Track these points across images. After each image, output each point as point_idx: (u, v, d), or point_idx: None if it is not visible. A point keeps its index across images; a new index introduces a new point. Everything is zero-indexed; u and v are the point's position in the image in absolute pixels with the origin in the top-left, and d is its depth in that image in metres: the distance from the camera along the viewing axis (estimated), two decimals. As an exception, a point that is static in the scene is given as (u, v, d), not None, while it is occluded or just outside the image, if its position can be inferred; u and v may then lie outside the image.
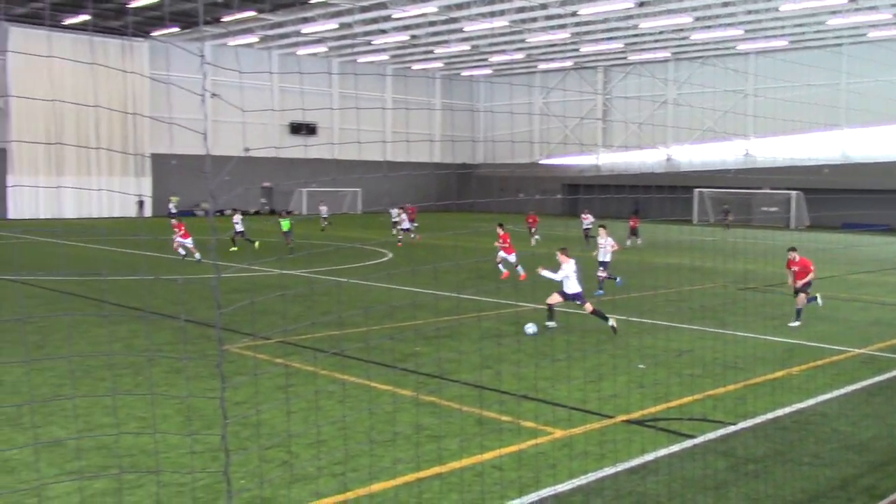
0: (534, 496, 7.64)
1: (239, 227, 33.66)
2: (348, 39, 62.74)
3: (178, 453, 8.90)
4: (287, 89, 70.15)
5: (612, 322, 15.86)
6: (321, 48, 66.83)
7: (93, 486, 7.95)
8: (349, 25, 57.16)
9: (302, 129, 71.05)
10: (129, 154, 61.67)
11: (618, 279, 22.59)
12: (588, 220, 37.26)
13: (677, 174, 68.09)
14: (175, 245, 29.40)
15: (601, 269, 22.12)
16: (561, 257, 16.27)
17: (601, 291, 21.61)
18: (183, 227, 29.33)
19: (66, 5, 52.93)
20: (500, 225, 25.92)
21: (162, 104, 62.25)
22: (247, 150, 60.56)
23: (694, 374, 12.81)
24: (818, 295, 18.20)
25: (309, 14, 54.51)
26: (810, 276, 17.42)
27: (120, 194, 61.26)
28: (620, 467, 8.37)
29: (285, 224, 33.50)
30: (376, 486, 7.94)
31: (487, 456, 8.87)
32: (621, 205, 58.22)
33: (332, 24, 55.92)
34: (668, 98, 71.24)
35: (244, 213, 33.87)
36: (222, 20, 54.95)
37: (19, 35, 57.23)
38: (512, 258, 24.93)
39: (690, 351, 14.51)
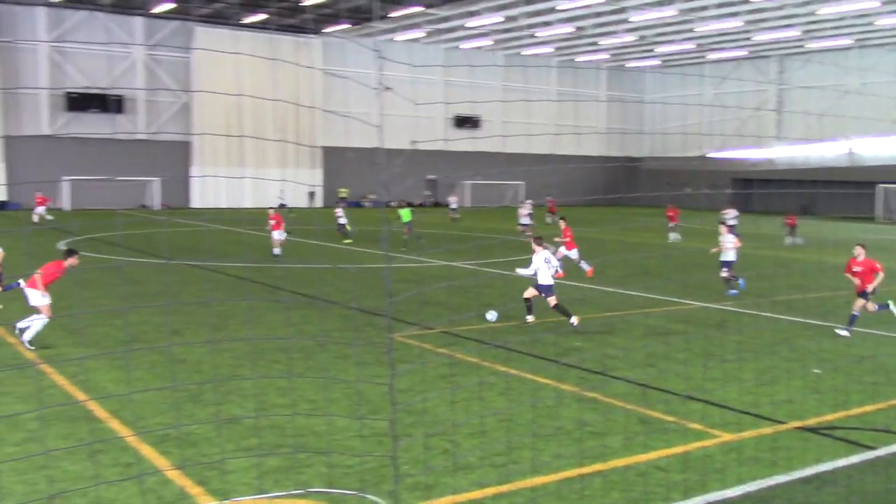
0: (700, 500, 7.40)
1: (342, 220, 34.12)
2: (513, 32, 62.84)
3: (345, 436, 9.19)
4: (452, 83, 70.95)
5: (573, 320, 15.40)
6: (486, 41, 67.23)
7: (267, 462, 8.33)
8: (514, 18, 57.21)
9: (466, 122, 71.84)
10: (302, 146, 64.22)
11: (740, 281, 20.73)
12: (731, 214, 35.74)
13: (858, 168, 64.16)
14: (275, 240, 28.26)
15: (724, 268, 20.71)
16: (534, 247, 16.10)
17: (734, 291, 20.33)
18: (277, 219, 28.33)
19: (246, 5, 55.68)
20: (563, 218, 24.60)
21: (332, 99, 64.48)
22: (413, 142, 61.72)
23: (876, 381, 12.02)
24: (890, 302, 16.04)
25: (474, 8, 54.95)
26: (878, 280, 15.15)
27: (293, 185, 63.94)
28: (794, 476, 7.97)
29: (406, 215, 32.59)
30: (538, 480, 7.91)
31: (651, 455, 8.66)
32: (787, 200, 55.38)
33: (498, 18, 56.15)
34: (851, 88, 67.14)
35: (409, 205, 33.86)
36: (391, 16, 56.24)
37: (203, 34, 60.72)
38: (573, 254, 23.32)
39: (872, 357, 13.63)
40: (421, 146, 61.97)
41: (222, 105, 61.03)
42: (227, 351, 13.31)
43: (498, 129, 71.66)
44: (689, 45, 66.37)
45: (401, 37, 64.88)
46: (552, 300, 15.73)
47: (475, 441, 9.08)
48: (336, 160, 66.10)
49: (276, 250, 27.78)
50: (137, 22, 59.03)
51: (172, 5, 55.00)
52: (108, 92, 57.31)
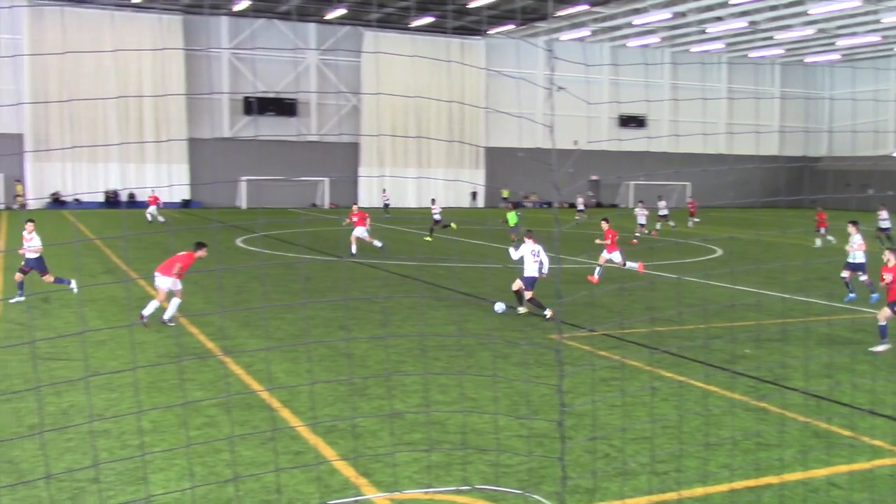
0: (883, 522, 6.94)
1: (437, 217, 34.63)
2: (682, 29, 61.15)
3: (506, 435, 9.20)
4: (618, 82, 69.80)
5: (547, 312, 16.07)
6: (653, 39, 65.74)
7: (428, 458, 8.46)
8: (683, 14, 55.64)
9: (632, 121, 70.55)
10: (466, 144, 65.00)
11: (874, 295, 18.71)
12: (883, 215, 33.43)
13: None
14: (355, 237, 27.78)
15: (849, 270, 19.09)
16: (525, 239, 16.83)
17: (853, 296, 18.88)
18: (360, 216, 27.96)
19: (412, 9, 56.90)
20: (605, 220, 23.10)
21: (496, 99, 64.89)
22: (576, 142, 61.17)
23: None
24: None
25: (641, 5, 53.85)
26: None
27: (455, 186, 64.87)
28: None
29: (512, 218, 31.72)
30: (706, 490, 7.65)
31: (828, 471, 8.19)
32: None
33: (665, 14, 54.77)
34: None
35: (570, 206, 32.90)
36: (557, 15, 55.98)
37: (372, 38, 62.56)
38: (616, 257, 22.15)
39: None
40: (585, 146, 61.35)
41: (389, 107, 62.82)
42: (392, 347, 13.63)
43: (664, 129, 69.98)
44: (874, 38, 62.40)
45: (566, 36, 64.47)
46: (528, 294, 16.40)
47: (639, 446, 8.88)
48: (498, 160, 66.47)
49: (354, 248, 27.20)
50: (311, 28, 61.53)
51: (344, 11, 56.96)
52: (283, 96, 60.07)
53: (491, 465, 8.26)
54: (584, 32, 62.98)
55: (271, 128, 60.56)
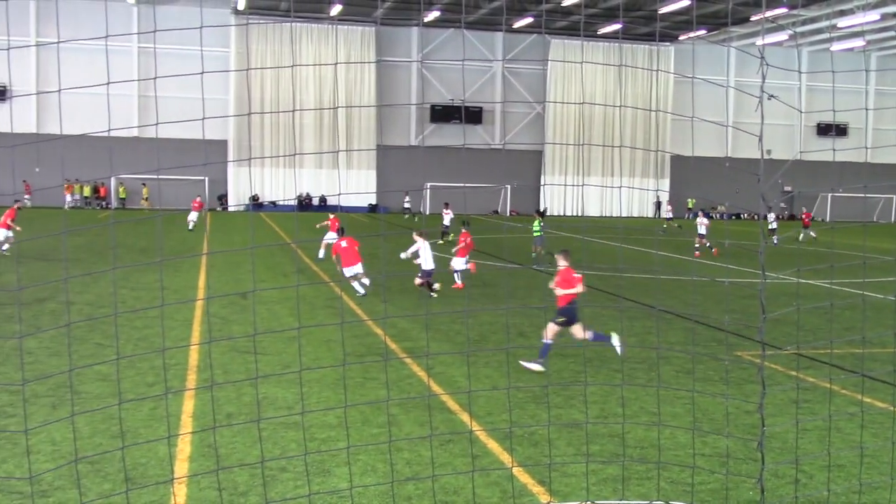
0: None
1: (445, 222, 34.66)
2: (891, 31, 57.22)
3: (686, 452, 8.93)
4: (815, 88, 66.26)
5: (435, 289, 19.12)
6: (857, 42, 61.89)
7: (605, 470, 8.35)
8: (894, 16, 52.08)
9: (830, 129, 66.69)
10: (650, 151, 63.72)
11: None
12: None
13: None
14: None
15: None
16: (415, 237, 19.16)
17: None
18: (334, 222, 26.85)
19: (600, 16, 56.38)
20: (465, 222, 23.91)
21: (683, 106, 63.16)
22: (769, 151, 58.54)
23: None
24: None
25: (846, 6, 50.83)
26: None
27: (639, 194, 63.67)
28: None
29: (537, 227, 29.02)
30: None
31: None
32: None
33: (873, 16, 51.44)
34: None
35: (541, 215, 29.05)
36: (751, 19, 53.84)
37: (558, 46, 62.52)
38: (459, 264, 21.28)
39: None
40: (776, 156, 58.61)
41: (573, 115, 62.55)
42: (570, 356, 13.54)
43: (867, 138, 65.71)
44: None
45: (762, 41, 61.84)
46: (417, 280, 19.06)
47: (834, 474, 8.37)
48: (684, 169, 64.66)
49: (321, 253, 26.57)
50: (498, 37, 62.27)
51: (531, 20, 57.26)
52: (468, 104, 61.12)
53: (671, 483, 8.05)
54: (782, 36, 60.18)
55: (456, 135, 61.77)
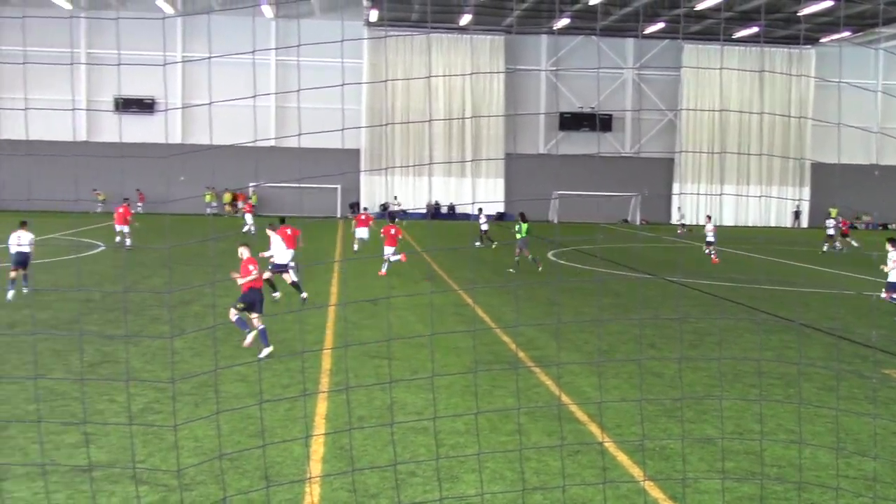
0: None
1: (484, 227, 33.82)
2: None
3: (828, 474, 8.53)
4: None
5: (303, 294, 18.88)
6: None
7: (739, 489, 8.08)
8: None
9: None
10: (789, 159, 61.36)
11: None
12: None
13: None
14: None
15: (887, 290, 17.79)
16: (268, 232, 19.72)
17: None
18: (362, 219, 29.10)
19: (736, 20, 54.72)
20: (392, 219, 25.66)
21: (824, 111, 60.49)
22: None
23: None
24: None
25: None
26: None
27: (776, 203, 61.34)
28: None
29: (524, 229, 26.57)
30: None
31: None
32: None
33: None
34: None
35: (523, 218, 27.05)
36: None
37: (692, 51, 61.07)
38: (390, 253, 24.26)
39: None
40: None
41: (707, 121, 60.96)
42: (703, 369, 13.18)
43: None
44: None
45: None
46: (288, 277, 19.32)
47: None
48: (826, 177, 61.88)
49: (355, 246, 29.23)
50: (628, 43, 61.39)
51: (662, 25, 56.16)
52: (597, 111, 60.46)
53: (811, 505, 7.71)
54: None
55: (585, 143, 61.25)
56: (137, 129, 58.07)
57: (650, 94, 61.87)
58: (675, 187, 61.85)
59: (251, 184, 57.95)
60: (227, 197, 60.27)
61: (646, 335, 16.14)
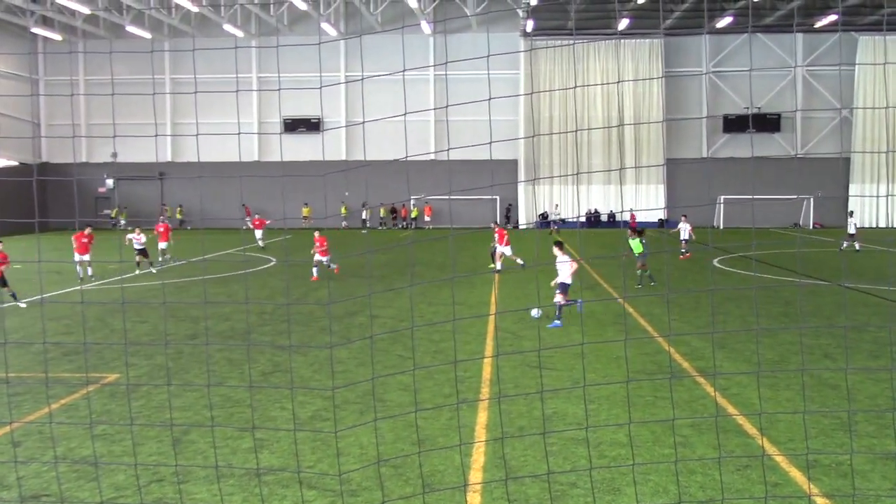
0: None
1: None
2: None
3: None
4: None
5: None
6: None
7: (928, 510, 7.53)
8: None
9: None
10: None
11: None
12: None
13: None
14: None
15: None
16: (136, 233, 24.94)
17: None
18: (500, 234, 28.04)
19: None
20: (318, 230, 28.06)
21: None
22: None
23: None
24: None
25: None
26: None
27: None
28: None
29: (637, 246, 24.28)
30: None
31: None
32: None
33: None
34: None
35: (636, 232, 24.23)
36: None
37: (867, 44, 57.66)
38: (326, 259, 26.61)
39: None
40: None
41: (893, 118, 57.24)
42: (885, 381, 12.36)
43: None
44: None
45: None
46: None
47: None
48: None
49: (499, 265, 28.31)
50: (798, 38, 58.65)
51: (834, 17, 53.32)
52: (765, 112, 58.05)
53: None
54: None
55: (751, 145, 58.89)
56: (304, 148, 60.68)
57: (822, 90, 58.83)
58: (853, 189, 58.48)
59: (413, 196, 59.30)
60: (383, 211, 61.87)
61: (819, 345, 15.32)
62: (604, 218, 59.35)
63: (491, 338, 16.38)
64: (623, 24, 54.60)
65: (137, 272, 29.23)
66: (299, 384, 12.47)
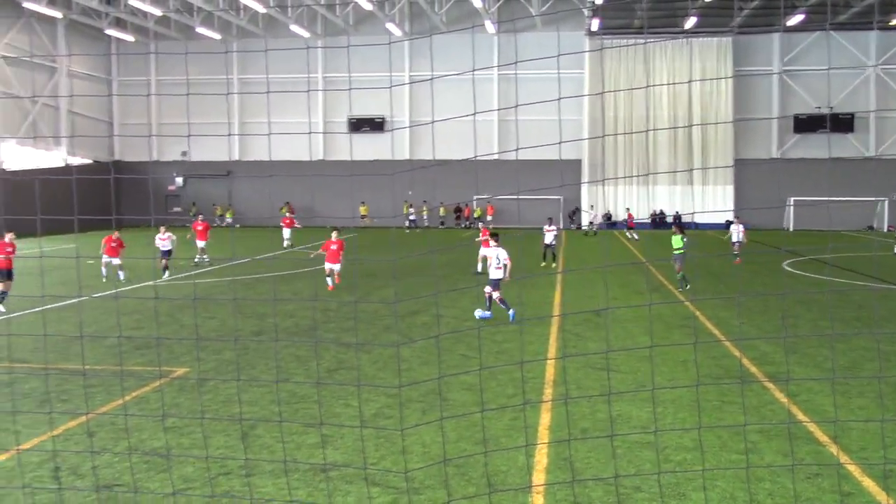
0: None
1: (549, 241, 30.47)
2: None
3: None
4: None
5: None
6: None
7: None
8: None
9: None
10: None
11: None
12: None
13: None
14: None
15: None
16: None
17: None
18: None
19: None
20: (335, 229, 24.95)
21: None
22: None
23: None
24: None
25: None
26: None
27: None
28: None
29: (677, 242, 23.17)
30: None
31: None
32: None
33: None
34: None
35: (680, 229, 23.18)
36: None
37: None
38: (336, 267, 24.06)
39: None
40: None
41: None
42: (964, 390, 11.95)
43: None
44: None
45: None
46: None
47: None
48: None
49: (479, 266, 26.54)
50: (871, 36, 57.06)
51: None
52: (837, 111, 56.59)
53: None
54: None
55: (824, 146, 57.50)
56: (368, 147, 61.18)
57: (897, 89, 57.20)
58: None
59: (475, 196, 59.34)
60: (443, 210, 61.95)
61: (895, 351, 14.88)
62: (668, 219, 58.53)
63: (554, 338, 16.29)
64: (691, 22, 53.76)
65: (166, 276, 27.34)
66: (363, 381, 12.57)
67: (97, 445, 9.47)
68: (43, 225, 43.41)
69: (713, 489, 8.06)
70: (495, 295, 18.22)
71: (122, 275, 26.03)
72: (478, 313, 18.27)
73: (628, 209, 53.61)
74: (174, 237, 28.29)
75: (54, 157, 58.41)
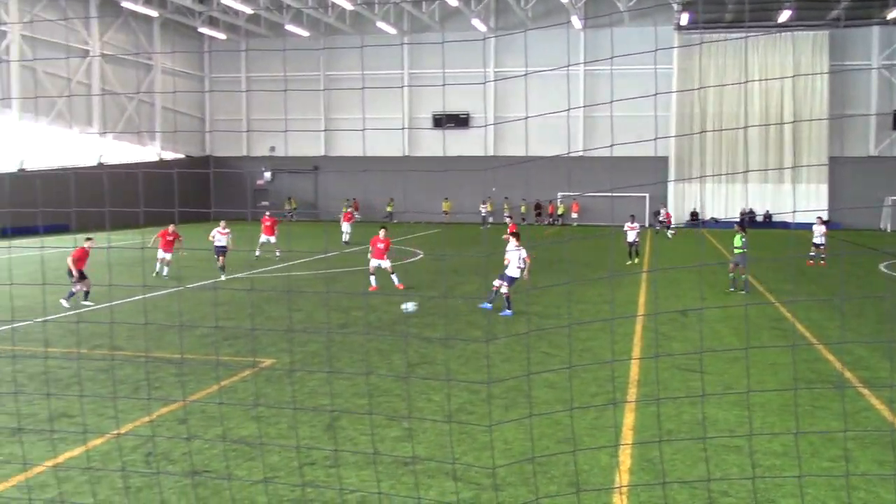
0: None
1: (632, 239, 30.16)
2: None
3: None
4: None
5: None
6: None
7: None
8: None
9: None
10: None
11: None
12: None
13: None
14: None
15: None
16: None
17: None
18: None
19: None
20: (384, 227, 23.24)
21: None
22: None
23: None
24: None
25: None
26: None
27: None
28: None
29: (737, 241, 22.40)
30: None
31: None
32: None
33: None
34: None
35: (741, 227, 21.86)
36: None
37: None
38: (385, 264, 22.36)
39: None
40: None
41: None
42: None
43: None
44: None
45: None
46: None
47: None
48: None
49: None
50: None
51: None
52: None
53: None
54: None
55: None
56: (452, 143, 61.35)
57: None
58: None
59: (560, 194, 58.91)
60: (524, 208, 61.55)
61: None
62: (759, 218, 57.05)
63: (639, 338, 16.06)
64: (784, 16, 52.23)
65: (223, 277, 25.11)
66: (447, 376, 12.62)
67: (188, 432, 9.73)
68: (136, 217, 44.92)
69: (805, 496, 7.82)
70: (504, 289, 18.45)
71: (166, 271, 25.00)
72: (407, 307, 17.59)
73: (663, 209, 52.75)
74: (232, 234, 26.89)
75: (149, 152, 60.31)
